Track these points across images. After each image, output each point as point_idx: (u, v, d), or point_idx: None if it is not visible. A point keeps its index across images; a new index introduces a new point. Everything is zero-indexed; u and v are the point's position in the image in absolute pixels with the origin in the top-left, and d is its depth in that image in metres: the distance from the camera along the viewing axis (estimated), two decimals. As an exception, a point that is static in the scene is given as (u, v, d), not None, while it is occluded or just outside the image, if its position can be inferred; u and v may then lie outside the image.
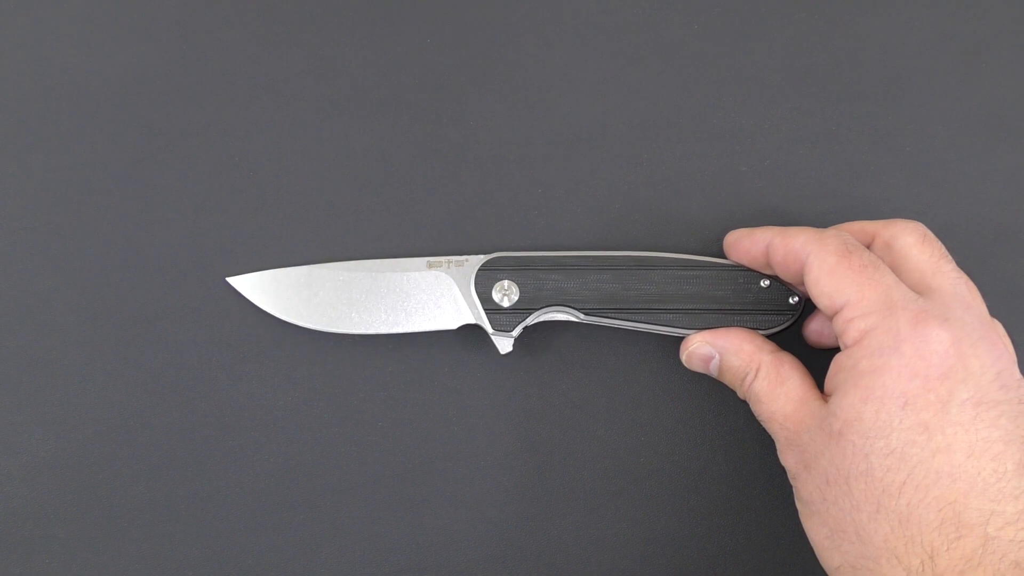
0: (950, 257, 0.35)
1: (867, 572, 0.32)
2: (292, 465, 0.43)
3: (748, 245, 0.38)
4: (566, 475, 0.43)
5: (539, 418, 0.43)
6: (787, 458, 0.35)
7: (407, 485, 0.43)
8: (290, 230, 0.43)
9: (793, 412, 0.35)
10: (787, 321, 0.39)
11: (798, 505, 0.35)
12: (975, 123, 0.44)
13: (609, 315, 0.40)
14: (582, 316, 0.40)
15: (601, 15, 0.45)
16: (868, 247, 0.36)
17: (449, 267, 0.41)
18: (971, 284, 0.35)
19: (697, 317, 0.39)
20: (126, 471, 0.43)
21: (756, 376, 0.36)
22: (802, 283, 0.36)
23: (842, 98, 0.44)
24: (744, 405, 0.38)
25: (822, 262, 0.34)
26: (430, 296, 0.41)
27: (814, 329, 0.40)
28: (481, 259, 0.40)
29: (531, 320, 0.40)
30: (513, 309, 0.40)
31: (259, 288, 0.42)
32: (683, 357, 0.39)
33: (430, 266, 0.41)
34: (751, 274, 0.39)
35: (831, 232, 0.36)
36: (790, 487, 0.36)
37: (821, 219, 0.43)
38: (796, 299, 0.39)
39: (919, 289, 0.34)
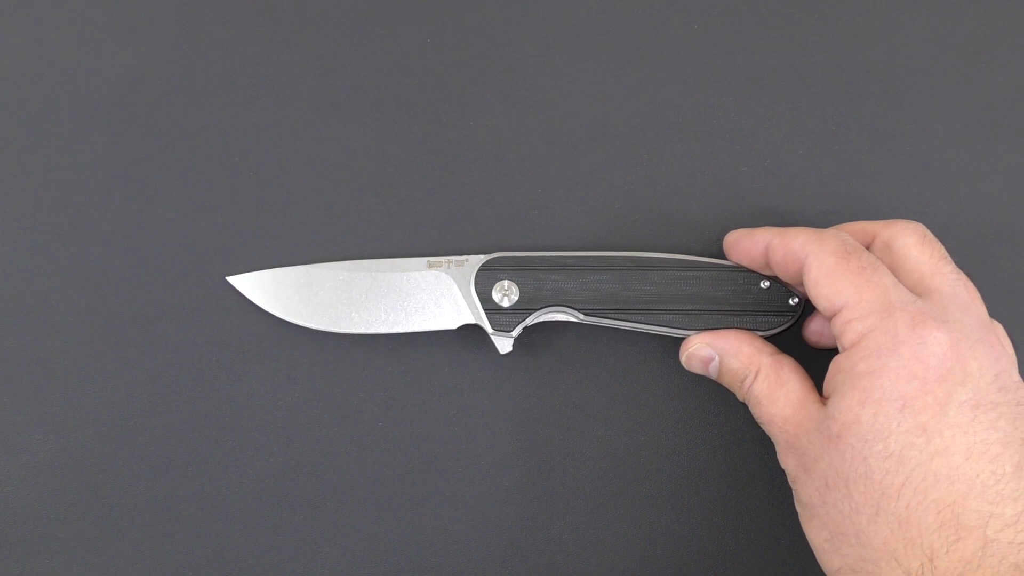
0: (949, 258, 0.35)
1: (867, 575, 0.32)
2: (292, 465, 0.43)
3: (748, 245, 0.38)
4: (566, 475, 0.43)
5: (539, 418, 0.43)
6: (787, 461, 0.35)
7: (407, 485, 0.43)
8: (290, 230, 0.43)
9: (792, 415, 0.35)
10: (787, 322, 0.39)
11: (798, 508, 0.35)
12: (975, 123, 0.44)
13: (609, 316, 0.40)
14: (582, 316, 0.40)
15: (601, 15, 0.45)
16: (868, 248, 0.36)
17: (449, 267, 0.41)
18: (970, 285, 0.35)
19: (697, 318, 0.39)
20: (126, 471, 0.43)
21: (755, 378, 0.36)
22: (802, 284, 0.36)
23: (842, 98, 0.44)
24: (744, 406, 0.38)
25: (821, 263, 0.34)
26: (430, 296, 0.41)
27: (814, 329, 0.40)
28: (481, 259, 0.40)
29: (531, 320, 0.40)
30: (513, 309, 0.40)
31: (259, 288, 0.42)
32: (682, 358, 0.39)
33: (430, 266, 0.41)
34: (751, 275, 0.39)
35: (830, 233, 0.36)
36: (790, 487, 0.36)
37: (821, 219, 0.43)
38: (796, 300, 0.39)
39: (918, 290, 0.34)
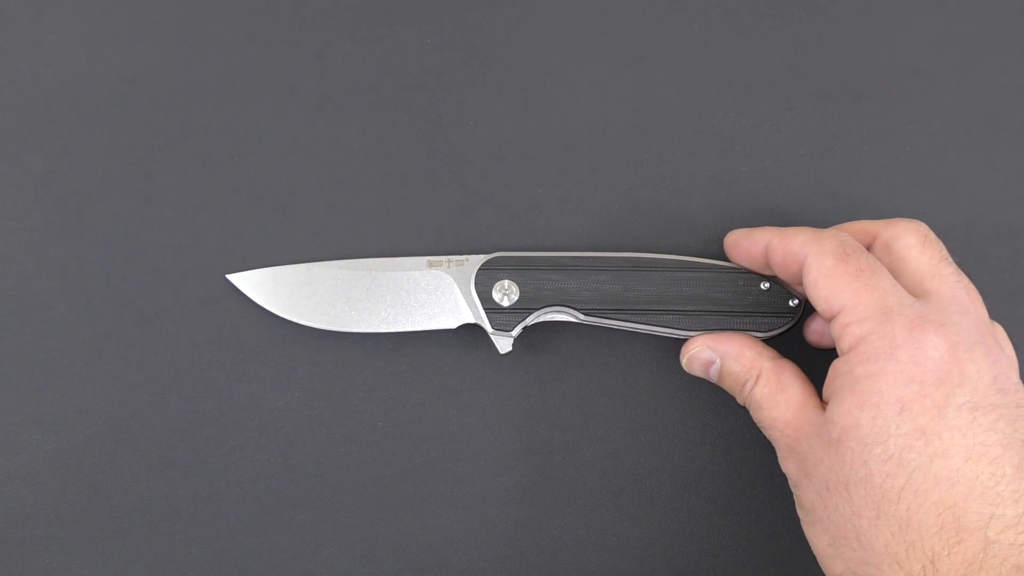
0: (951, 260, 0.35)
1: None
2: (292, 465, 0.43)
3: (748, 246, 0.38)
4: (566, 475, 0.43)
5: (539, 418, 0.43)
6: (788, 465, 0.35)
7: (407, 485, 0.43)
8: (290, 229, 0.43)
9: (793, 419, 0.35)
10: (787, 324, 0.39)
11: (799, 513, 0.35)
12: (975, 123, 0.44)
13: (609, 316, 0.40)
14: (582, 317, 0.40)
15: (601, 15, 0.45)
16: (869, 247, 0.36)
17: (449, 266, 0.41)
18: (971, 287, 0.35)
19: (697, 319, 0.39)
20: (126, 471, 0.43)
21: (756, 382, 0.36)
22: (802, 284, 0.36)
23: (842, 98, 0.44)
24: (744, 408, 0.38)
25: (820, 264, 0.34)
26: (430, 295, 0.41)
27: (815, 330, 0.39)
28: (481, 259, 0.40)
29: (531, 320, 0.40)
30: (513, 309, 0.40)
31: (259, 286, 0.42)
32: (683, 361, 0.39)
33: (430, 265, 0.41)
34: (751, 276, 0.39)
35: (829, 233, 0.35)
36: (789, 488, 0.36)
37: (821, 219, 0.43)
38: (796, 302, 0.39)
39: (917, 292, 0.34)
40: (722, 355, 0.38)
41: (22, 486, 0.43)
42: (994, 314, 0.35)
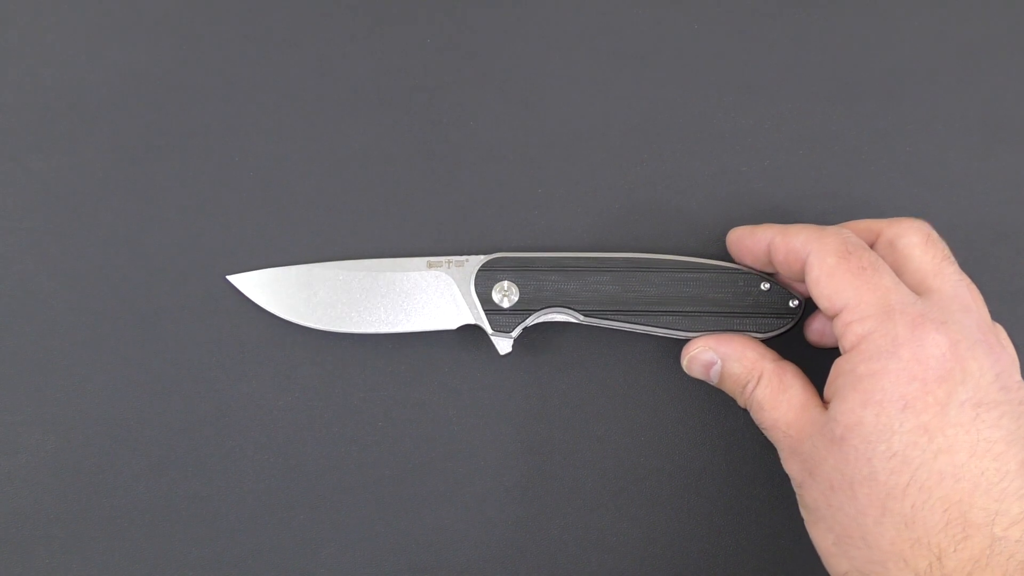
0: (953, 259, 0.35)
1: None
2: (292, 465, 0.43)
3: (750, 244, 0.38)
4: (566, 475, 0.43)
5: (539, 418, 0.43)
6: (791, 466, 0.35)
7: (407, 485, 0.43)
8: (290, 230, 0.43)
9: (795, 419, 0.35)
10: (787, 324, 0.39)
11: (803, 513, 0.35)
12: (975, 123, 0.44)
13: (609, 317, 0.40)
14: (582, 318, 0.40)
15: (601, 15, 0.44)
16: (872, 245, 0.36)
17: (449, 267, 0.41)
18: (973, 287, 0.35)
19: (697, 320, 0.39)
20: (126, 471, 0.43)
21: (758, 384, 0.36)
22: (804, 281, 0.36)
23: (842, 98, 0.44)
24: (744, 409, 0.38)
25: (822, 262, 0.34)
26: (430, 296, 0.41)
27: (815, 329, 0.39)
28: (481, 259, 0.40)
29: (531, 321, 0.40)
30: (513, 310, 0.40)
31: (259, 287, 0.42)
32: (684, 362, 0.39)
33: (430, 266, 0.41)
34: (751, 277, 0.39)
35: (831, 231, 0.35)
36: (790, 487, 0.36)
37: (821, 219, 0.43)
38: (796, 302, 0.39)
39: (920, 290, 0.34)
40: (723, 356, 0.38)
41: (22, 486, 0.43)
42: (994, 314, 0.35)
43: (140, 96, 0.44)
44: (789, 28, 0.44)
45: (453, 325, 0.41)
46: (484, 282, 0.40)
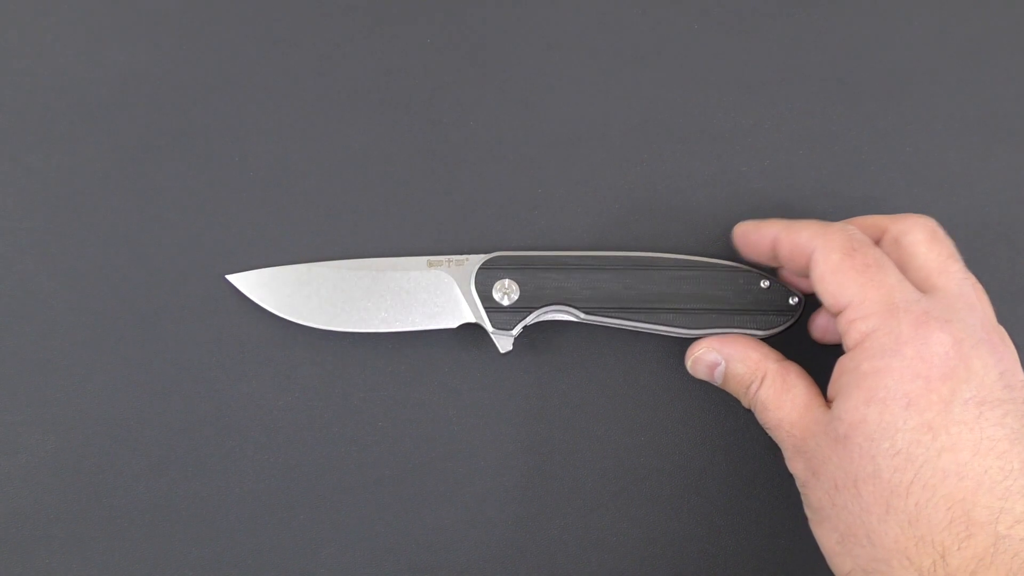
0: (958, 257, 0.35)
1: (879, 575, 0.32)
2: (292, 465, 0.43)
3: (755, 239, 0.38)
4: (566, 475, 0.43)
5: (539, 418, 0.43)
6: (795, 466, 0.35)
7: (407, 485, 0.43)
8: (290, 229, 0.43)
9: (799, 419, 0.35)
10: (787, 322, 0.39)
11: (808, 513, 0.35)
12: (975, 123, 0.44)
13: (609, 315, 0.40)
14: (582, 316, 0.40)
15: (601, 15, 0.45)
16: (878, 242, 0.36)
17: (449, 266, 0.41)
18: (978, 286, 0.35)
19: (697, 317, 0.39)
20: (126, 471, 0.43)
21: (762, 384, 0.36)
22: (809, 276, 0.36)
23: (842, 98, 0.44)
24: (748, 409, 0.38)
25: (826, 259, 0.34)
26: (430, 295, 0.41)
27: (819, 325, 0.39)
28: (481, 258, 0.40)
29: (531, 319, 0.40)
30: (513, 308, 0.40)
31: (259, 286, 0.42)
32: (688, 364, 0.39)
33: (430, 265, 0.41)
34: (751, 275, 0.39)
35: (836, 227, 0.35)
36: (790, 487, 0.36)
37: (821, 218, 0.42)
38: (796, 300, 0.39)
39: (924, 288, 0.34)
40: (727, 357, 0.38)
41: (22, 486, 0.43)
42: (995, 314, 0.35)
43: (140, 96, 0.44)
44: (789, 28, 0.44)
45: (453, 324, 0.41)
46: (484, 280, 0.40)
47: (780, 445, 0.36)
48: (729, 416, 0.43)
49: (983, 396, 0.31)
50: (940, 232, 0.35)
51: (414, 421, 0.43)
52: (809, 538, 0.35)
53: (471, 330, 0.42)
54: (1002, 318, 0.36)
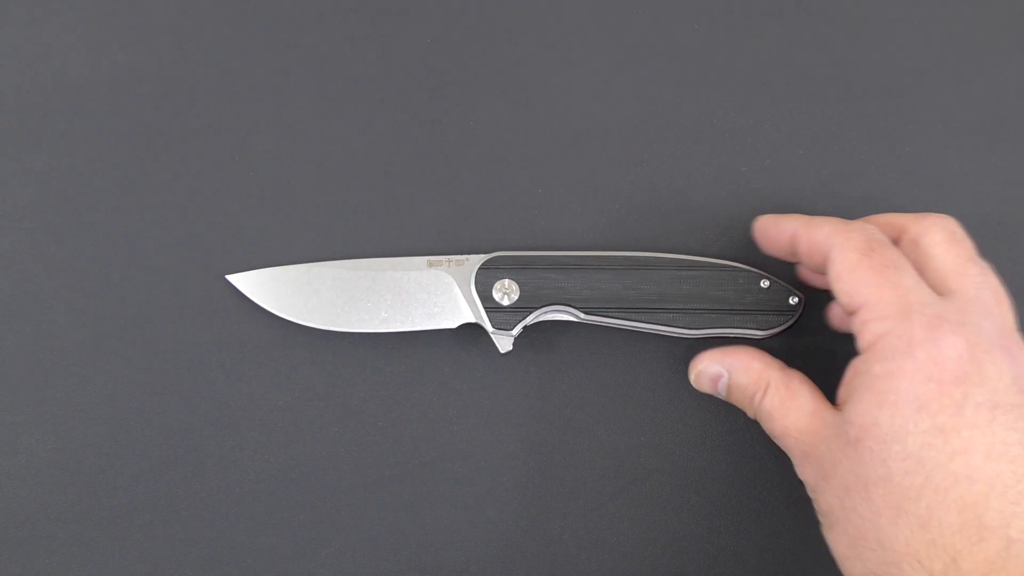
0: (977, 258, 0.34)
1: None
2: (292, 465, 0.43)
3: (774, 234, 0.38)
4: (566, 475, 0.43)
5: (539, 418, 0.43)
6: (805, 471, 0.35)
7: (407, 485, 0.43)
8: (290, 229, 0.43)
9: (807, 424, 0.34)
10: (787, 321, 0.39)
11: (819, 518, 0.35)
12: (975, 123, 0.44)
13: (609, 315, 0.40)
14: (582, 315, 0.40)
15: (601, 15, 0.45)
16: (897, 242, 0.36)
17: (449, 266, 0.41)
18: (998, 289, 0.34)
19: (697, 317, 0.39)
20: (126, 471, 0.43)
21: (766, 393, 0.36)
22: (826, 274, 0.35)
23: (842, 98, 0.44)
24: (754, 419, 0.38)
25: (844, 258, 0.34)
26: (430, 295, 0.41)
27: (838, 313, 0.39)
28: (481, 258, 0.40)
29: (531, 319, 0.40)
30: (513, 308, 0.40)
31: (259, 286, 0.42)
32: (691, 377, 0.39)
33: (430, 265, 0.41)
34: (751, 274, 0.39)
35: (855, 226, 0.35)
36: (790, 487, 0.36)
37: (821, 219, 0.43)
38: (796, 300, 0.39)
39: (941, 290, 0.33)
40: (730, 368, 0.37)
41: (22, 486, 0.43)
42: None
43: (140, 95, 0.44)
44: (789, 28, 0.44)
45: (453, 324, 0.41)
46: (484, 280, 0.40)
47: (788, 453, 0.36)
48: (729, 416, 0.43)
49: (996, 400, 0.31)
50: (960, 233, 0.35)
51: (414, 421, 0.43)
52: (809, 538, 0.35)
53: (471, 330, 0.42)
54: (1002, 318, 0.36)
